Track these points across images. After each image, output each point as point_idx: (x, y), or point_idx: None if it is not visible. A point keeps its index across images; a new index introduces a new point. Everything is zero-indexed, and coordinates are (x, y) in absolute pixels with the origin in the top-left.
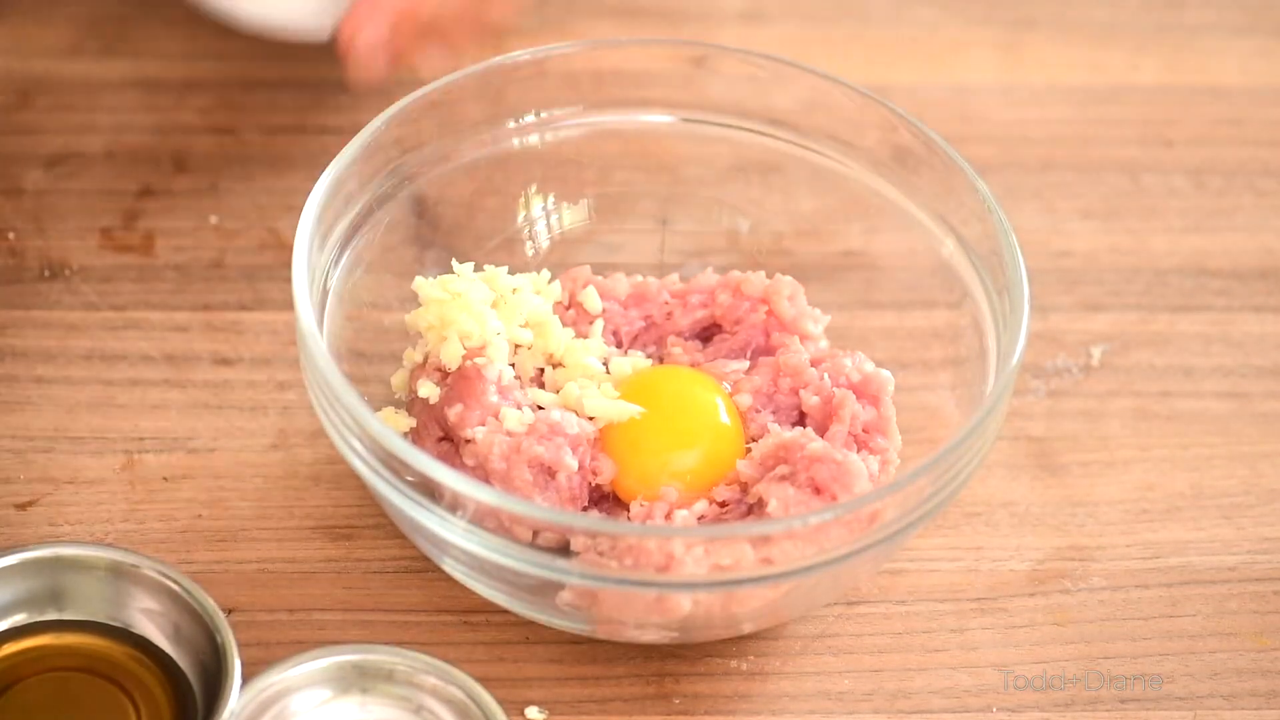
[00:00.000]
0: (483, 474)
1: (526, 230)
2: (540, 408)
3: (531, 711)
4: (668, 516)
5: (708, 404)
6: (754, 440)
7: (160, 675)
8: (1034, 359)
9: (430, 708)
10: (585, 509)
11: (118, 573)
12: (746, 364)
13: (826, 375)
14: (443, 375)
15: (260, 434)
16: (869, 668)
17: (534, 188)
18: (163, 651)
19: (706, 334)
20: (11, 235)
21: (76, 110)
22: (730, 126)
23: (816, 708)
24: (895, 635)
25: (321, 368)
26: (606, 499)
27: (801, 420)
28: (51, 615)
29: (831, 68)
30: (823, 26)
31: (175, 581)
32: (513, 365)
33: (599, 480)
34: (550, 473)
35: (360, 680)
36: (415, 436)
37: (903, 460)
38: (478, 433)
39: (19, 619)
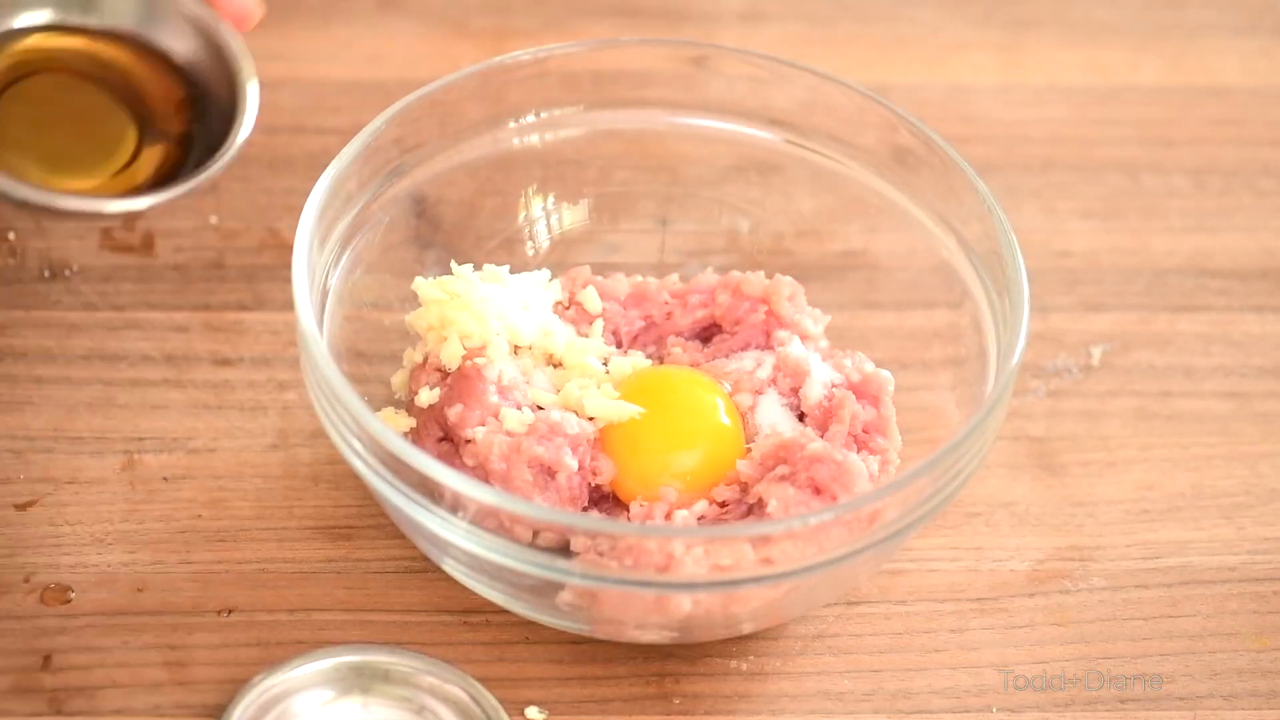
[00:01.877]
0: (483, 474)
1: (526, 230)
2: (540, 408)
3: (531, 711)
4: (668, 517)
5: (708, 404)
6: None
7: (174, 95)
8: (1034, 359)
9: (431, 708)
10: (585, 509)
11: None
12: (747, 364)
13: (826, 375)
14: (443, 375)
15: (260, 434)
16: (869, 668)
17: (534, 188)
18: (182, 70)
19: (706, 334)
20: (11, 235)
21: None
22: (730, 126)
23: (816, 708)
24: (895, 635)
25: (321, 368)
26: (606, 499)
27: (802, 420)
28: (77, 19)
29: (831, 68)
30: (823, 26)
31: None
32: (515, 368)
33: (599, 480)
34: (550, 473)
35: (361, 681)
36: (415, 436)
37: (903, 460)
38: (478, 433)
39: (44, 17)
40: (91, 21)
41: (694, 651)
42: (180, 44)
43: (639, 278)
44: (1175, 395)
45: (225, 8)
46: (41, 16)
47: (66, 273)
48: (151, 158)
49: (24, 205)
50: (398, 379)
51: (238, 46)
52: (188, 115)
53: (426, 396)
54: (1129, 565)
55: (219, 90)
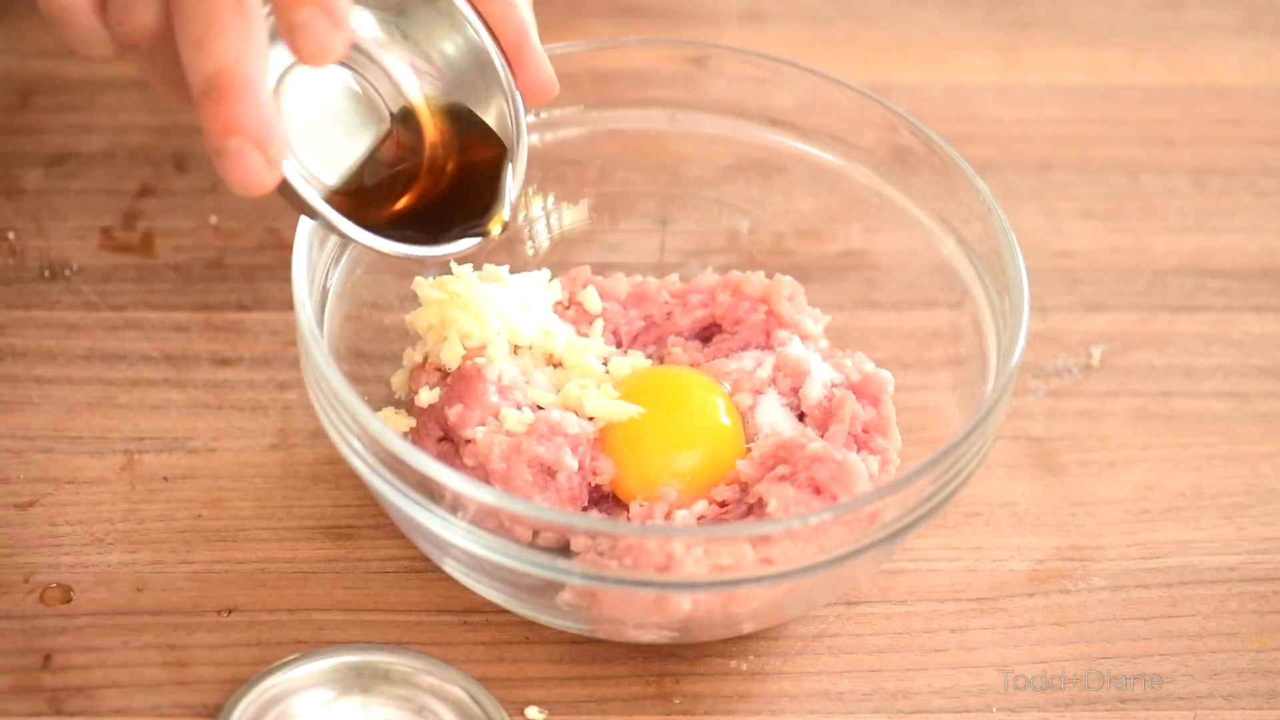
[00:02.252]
0: (483, 474)
1: (526, 230)
2: (540, 408)
3: (531, 711)
4: (667, 516)
5: (708, 404)
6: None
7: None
8: (1034, 359)
9: (432, 708)
10: (585, 509)
11: None
12: (747, 364)
13: (826, 375)
14: (442, 375)
15: (260, 434)
16: (869, 668)
17: (534, 188)
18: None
19: (706, 334)
20: (11, 235)
21: (76, 110)
22: (730, 126)
23: (816, 708)
24: (895, 635)
25: (321, 368)
26: (606, 499)
27: (802, 420)
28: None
29: (831, 68)
30: (823, 26)
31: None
32: (515, 368)
33: (599, 480)
34: (550, 473)
35: (361, 681)
36: (415, 436)
37: (903, 460)
38: (478, 433)
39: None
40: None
41: (694, 651)
42: (478, 102)
43: (639, 278)
44: (1175, 395)
45: (525, 79)
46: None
47: (66, 273)
48: (405, 190)
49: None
50: (398, 379)
51: (521, 109)
52: (453, 161)
53: (426, 396)
54: (1129, 565)
55: (488, 144)
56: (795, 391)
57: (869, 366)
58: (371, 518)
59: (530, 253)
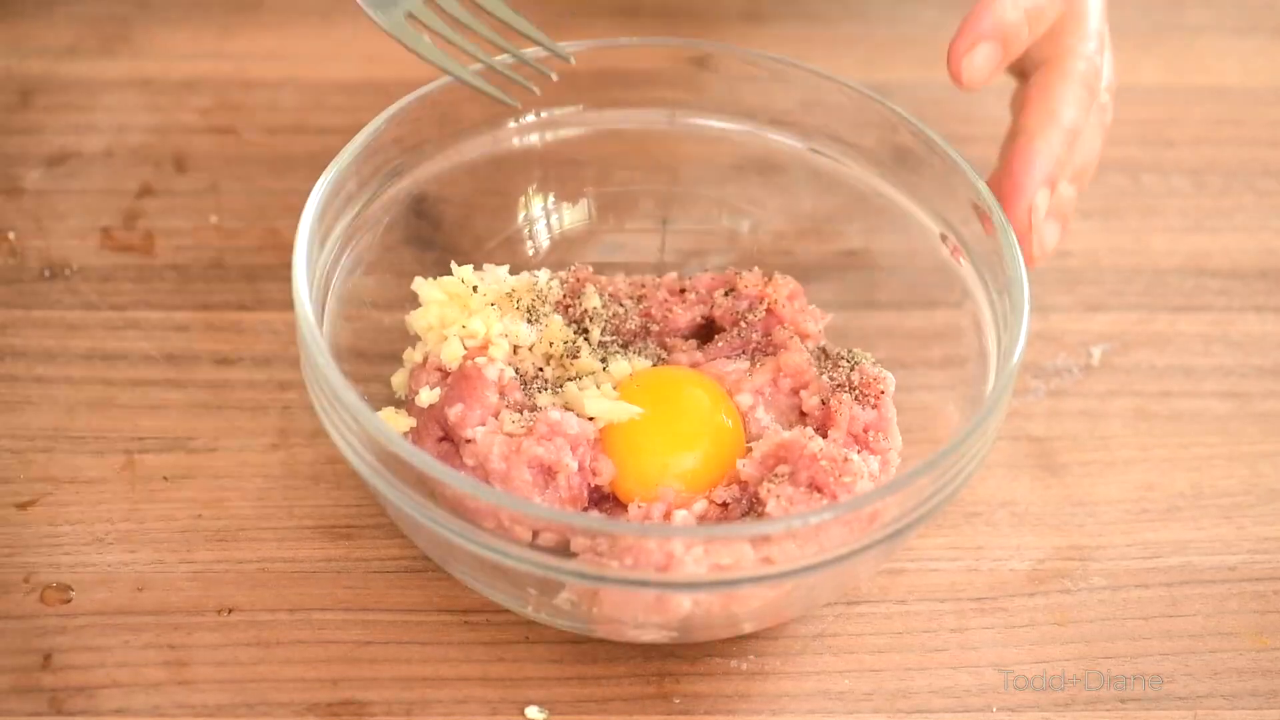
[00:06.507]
0: (483, 474)
1: (526, 230)
2: (540, 408)
3: (531, 711)
4: (666, 516)
5: (708, 404)
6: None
7: None
8: (1034, 359)
9: None
10: (585, 509)
11: None
12: (747, 364)
13: (826, 375)
14: (443, 375)
15: (260, 434)
16: (869, 668)
17: (534, 188)
18: None
19: (706, 334)
20: (11, 235)
21: (76, 110)
22: (730, 126)
23: (816, 708)
24: (895, 635)
25: (321, 368)
26: (606, 499)
27: (802, 420)
28: None
29: (831, 68)
30: (823, 26)
31: None
32: (515, 368)
33: (599, 481)
34: (550, 473)
35: None
36: (415, 436)
37: (903, 460)
38: (478, 433)
39: None
40: None
41: (694, 651)
42: None
43: (639, 277)
44: (1175, 395)
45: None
46: None
47: (66, 273)
48: None
49: None
50: (398, 379)
51: None
52: None
53: (426, 396)
54: (1129, 565)
55: None
56: (795, 392)
57: (869, 366)
58: (371, 518)
59: (530, 253)
